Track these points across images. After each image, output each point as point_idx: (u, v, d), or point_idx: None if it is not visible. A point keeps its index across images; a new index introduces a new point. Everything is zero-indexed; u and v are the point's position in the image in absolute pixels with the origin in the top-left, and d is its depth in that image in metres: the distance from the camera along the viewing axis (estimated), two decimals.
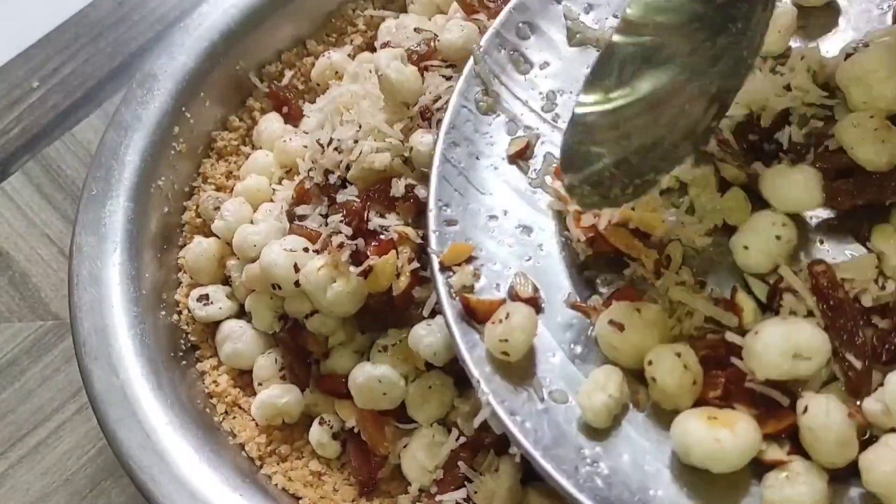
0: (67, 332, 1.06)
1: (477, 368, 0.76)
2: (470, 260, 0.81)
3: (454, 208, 0.84)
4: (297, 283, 0.88)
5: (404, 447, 0.88)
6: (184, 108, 1.02)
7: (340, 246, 0.86)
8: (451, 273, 0.80)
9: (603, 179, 0.74)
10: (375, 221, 0.88)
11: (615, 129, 0.76)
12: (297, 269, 0.87)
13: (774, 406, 0.71)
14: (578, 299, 0.80)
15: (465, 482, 0.84)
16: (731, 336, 0.73)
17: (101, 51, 1.25)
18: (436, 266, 0.81)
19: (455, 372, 0.88)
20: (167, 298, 0.98)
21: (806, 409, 0.68)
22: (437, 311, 0.86)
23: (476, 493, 0.83)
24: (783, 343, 0.69)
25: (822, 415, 0.68)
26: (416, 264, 0.87)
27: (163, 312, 0.96)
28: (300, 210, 0.94)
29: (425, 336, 0.85)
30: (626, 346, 0.75)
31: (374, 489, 0.89)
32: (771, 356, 0.69)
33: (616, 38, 0.78)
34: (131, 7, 1.28)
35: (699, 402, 0.73)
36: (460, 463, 0.85)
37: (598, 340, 0.77)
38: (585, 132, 0.77)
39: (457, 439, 0.86)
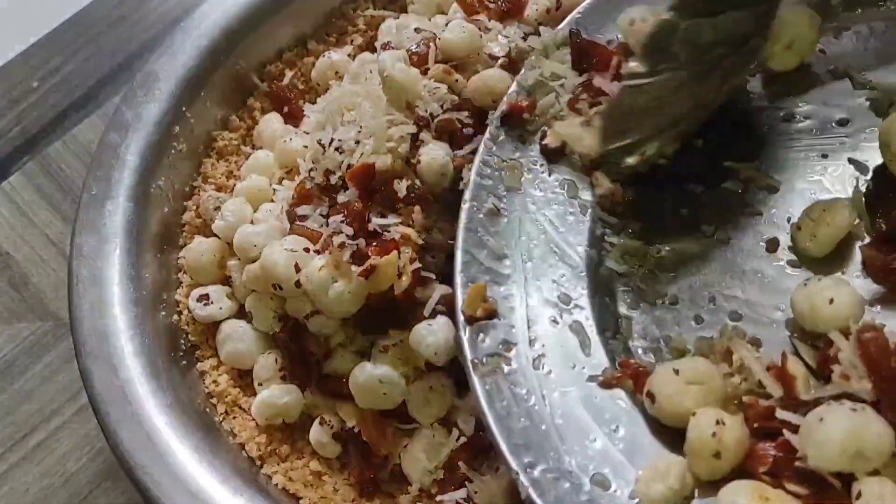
0: (67, 333, 1.06)
1: (515, 459, 0.73)
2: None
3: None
4: (297, 284, 0.88)
5: (405, 447, 0.88)
6: (184, 108, 1.02)
7: (342, 246, 0.86)
8: (482, 334, 0.79)
9: (636, 145, 0.79)
10: (376, 222, 0.88)
11: (655, 101, 0.80)
12: (298, 269, 0.87)
13: (825, 485, 0.67)
14: (618, 371, 0.78)
15: (466, 482, 0.84)
16: (783, 414, 0.69)
17: (101, 51, 1.25)
18: (463, 335, 0.80)
19: (455, 372, 0.88)
20: (167, 298, 0.97)
21: (860, 495, 0.65)
22: (437, 311, 0.86)
23: (477, 493, 0.83)
24: (847, 439, 0.64)
25: (877, 501, 0.64)
26: (417, 264, 0.87)
27: (163, 312, 0.96)
28: (301, 210, 0.94)
29: (426, 336, 0.85)
30: (668, 409, 0.73)
31: (374, 489, 0.89)
32: (831, 449, 0.64)
33: (667, 15, 0.79)
34: (131, 7, 1.28)
35: (747, 474, 0.70)
36: (461, 463, 0.85)
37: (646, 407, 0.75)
38: (631, 102, 0.80)
39: (457, 439, 0.86)
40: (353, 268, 0.85)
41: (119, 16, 1.27)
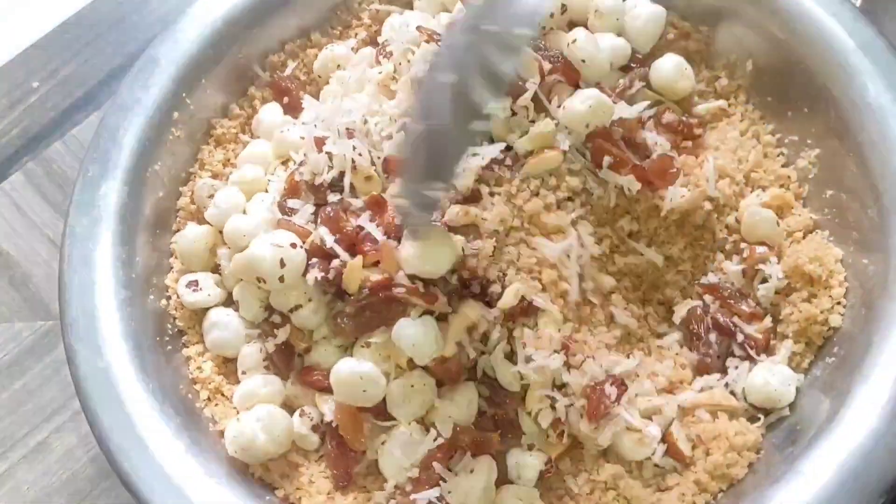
0: None
1: None
2: None
3: None
4: (281, 279, 0.88)
5: (382, 444, 0.89)
6: (184, 94, 1.02)
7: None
8: None
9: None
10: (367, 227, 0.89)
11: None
12: (283, 264, 0.88)
13: None
14: None
15: (440, 482, 0.85)
16: None
17: (101, 52, 1.26)
18: None
19: (438, 373, 0.88)
20: (157, 283, 0.98)
21: None
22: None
23: (450, 493, 0.84)
24: None
25: None
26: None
27: (151, 296, 0.96)
28: (291, 203, 0.95)
29: (406, 327, 0.85)
30: None
31: (349, 483, 0.89)
32: None
33: None
34: (131, 7, 1.29)
35: None
36: (435, 463, 0.85)
37: None
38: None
39: (434, 440, 0.86)
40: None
41: (119, 17, 1.28)
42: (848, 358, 0.90)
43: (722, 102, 1.07)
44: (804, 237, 0.98)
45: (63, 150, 1.19)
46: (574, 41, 0.98)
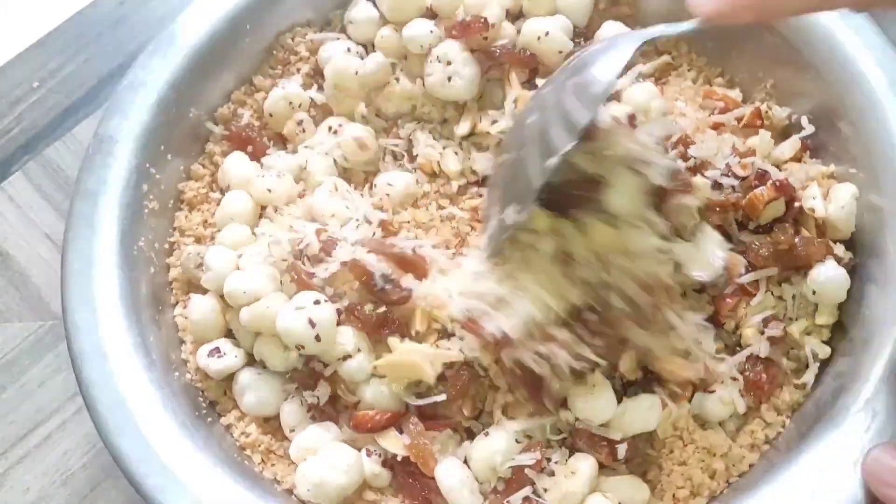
0: None
1: None
2: None
3: None
4: (318, 338, 0.87)
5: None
6: (148, 165, 0.99)
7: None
8: None
9: None
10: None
11: None
12: (312, 324, 0.87)
13: None
14: None
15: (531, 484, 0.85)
16: None
17: (101, 51, 1.24)
18: None
19: None
20: (175, 359, 0.94)
21: None
22: None
23: (546, 490, 0.84)
24: None
25: None
26: None
27: (176, 373, 0.93)
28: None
29: None
30: None
31: None
32: None
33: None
34: (131, 7, 1.26)
35: None
36: (528, 471, 0.85)
37: None
38: None
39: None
40: None
41: (119, 16, 1.26)
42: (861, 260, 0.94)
43: (666, 57, 1.10)
44: None
45: (63, 150, 1.18)
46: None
